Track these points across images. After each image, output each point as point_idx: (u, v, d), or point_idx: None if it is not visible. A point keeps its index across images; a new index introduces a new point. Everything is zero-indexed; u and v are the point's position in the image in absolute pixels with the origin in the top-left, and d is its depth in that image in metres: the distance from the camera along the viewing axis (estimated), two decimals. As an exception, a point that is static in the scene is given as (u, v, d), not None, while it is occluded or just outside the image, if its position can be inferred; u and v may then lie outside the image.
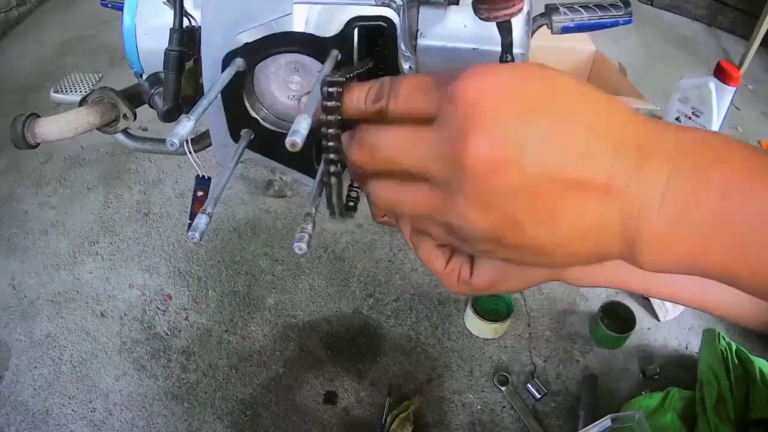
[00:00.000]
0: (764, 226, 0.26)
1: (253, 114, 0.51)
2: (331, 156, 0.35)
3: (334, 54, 0.46)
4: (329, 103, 0.33)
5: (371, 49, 0.50)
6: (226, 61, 0.47)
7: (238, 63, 0.46)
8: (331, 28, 0.47)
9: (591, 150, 0.27)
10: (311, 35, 0.47)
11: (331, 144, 0.35)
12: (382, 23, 0.47)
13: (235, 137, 0.52)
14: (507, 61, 0.48)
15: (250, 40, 0.47)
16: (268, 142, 0.52)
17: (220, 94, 0.48)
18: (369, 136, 0.32)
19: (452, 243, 0.34)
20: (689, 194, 0.26)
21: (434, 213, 0.31)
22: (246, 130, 0.51)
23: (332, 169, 0.36)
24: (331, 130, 0.34)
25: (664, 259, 0.28)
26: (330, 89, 0.33)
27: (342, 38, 0.46)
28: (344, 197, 0.40)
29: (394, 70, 0.50)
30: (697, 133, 0.28)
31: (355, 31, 0.47)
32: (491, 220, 0.28)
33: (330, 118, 0.33)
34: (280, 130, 0.52)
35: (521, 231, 0.28)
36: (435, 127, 0.29)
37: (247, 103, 0.51)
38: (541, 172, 0.26)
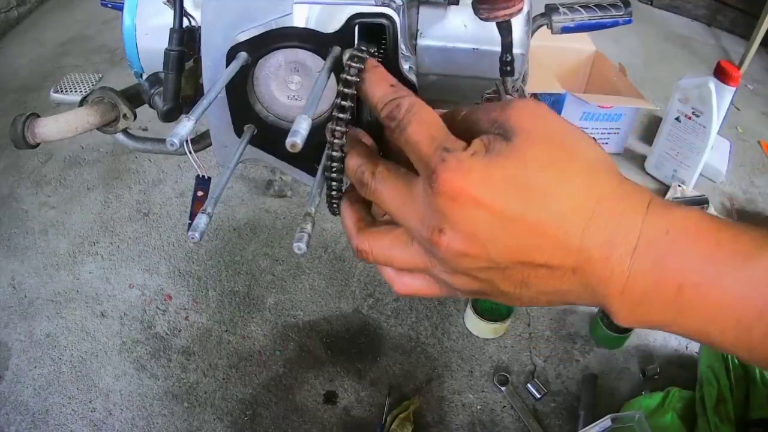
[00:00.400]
0: (718, 312, 0.29)
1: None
2: (337, 140, 0.36)
3: (336, 50, 0.46)
4: (350, 77, 0.36)
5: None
6: (230, 56, 0.47)
7: (243, 57, 0.46)
8: (331, 26, 0.46)
9: (559, 242, 0.30)
10: (313, 30, 0.47)
11: (336, 142, 0.35)
12: (383, 20, 0.47)
13: (239, 132, 0.52)
14: (507, 61, 0.48)
15: (249, 40, 0.47)
16: (270, 138, 0.52)
17: (221, 93, 0.48)
18: (367, 180, 0.35)
19: None
20: (648, 290, 0.30)
21: (421, 269, 0.35)
22: (249, 125, 0.51)
23: (334, 166, 0.36)
24: (338, 130, 0.35)
25: (633, 324, 0.32)
26: (353, 63, 0.36)
27: (342, 35, 0.46)
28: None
29: (394, 69, 0.50)
30: (664, 219, 0.30)
31: (356, 28, 0.46)
32: (467, 281, 0.33)
33: (346, 91, 0.35)
34: (282, 127, 0.52)
35: (497, 288, 0.33)
36: (420, 205, 0.32)
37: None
38: (508, 258, 0.31)
